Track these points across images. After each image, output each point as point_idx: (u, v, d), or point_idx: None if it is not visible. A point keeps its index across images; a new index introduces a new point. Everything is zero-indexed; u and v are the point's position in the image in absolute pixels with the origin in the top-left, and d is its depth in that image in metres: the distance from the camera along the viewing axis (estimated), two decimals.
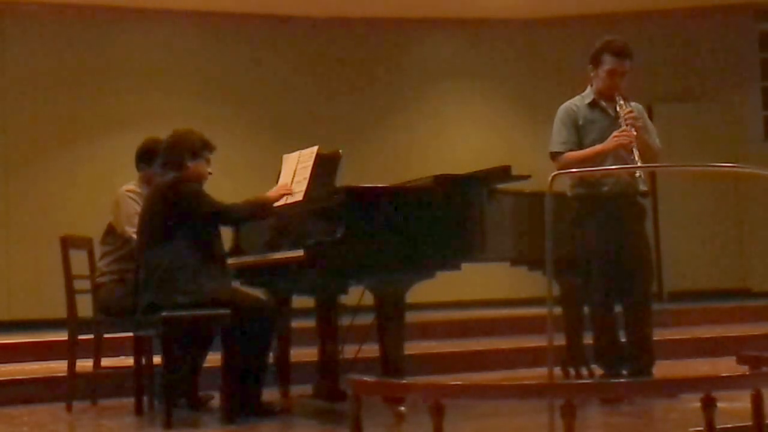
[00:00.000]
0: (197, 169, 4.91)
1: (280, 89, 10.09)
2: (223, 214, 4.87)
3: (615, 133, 4.93)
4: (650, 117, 5.48)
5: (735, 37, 10.64)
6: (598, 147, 4.98)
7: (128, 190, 5.47)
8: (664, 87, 10.27)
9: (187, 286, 4.65)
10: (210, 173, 5.01)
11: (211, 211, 4.80)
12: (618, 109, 5.01)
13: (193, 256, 4.72)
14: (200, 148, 4.94)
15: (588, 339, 5.33)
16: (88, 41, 9.61)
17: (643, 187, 5.04)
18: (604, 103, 5.11)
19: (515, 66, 10.57)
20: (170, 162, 4.89)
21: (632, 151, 4.84)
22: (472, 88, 10.59)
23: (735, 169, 4.41)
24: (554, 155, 5.11)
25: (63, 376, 5.26)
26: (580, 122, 5.11)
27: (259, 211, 4.99)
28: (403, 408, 4.30)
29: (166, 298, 4.62)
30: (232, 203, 4.94)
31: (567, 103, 5.22)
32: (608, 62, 5.07)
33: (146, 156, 5.49)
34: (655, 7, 10.39)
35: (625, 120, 4.94)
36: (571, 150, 5.07)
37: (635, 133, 4.89)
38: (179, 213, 4.74)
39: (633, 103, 5.16)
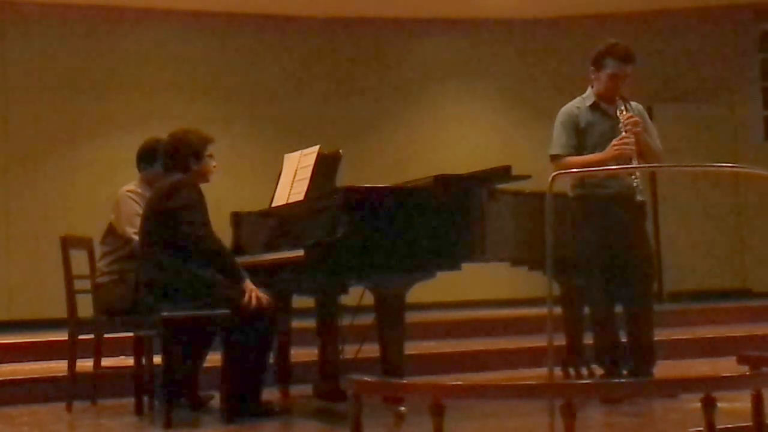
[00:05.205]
0: (202, 170, 4.92)
1: (280, 89, 10.09)
2: (198, 239, 4.70)
3: (614, 142, 4.91)
4: (650, 117, 5.47)
5: (735, 37, 10.64)
6: (598, 156, 4.95)
7: (129, 191, 5.47)
8: (664, 87, 10.26)
9: (188, 288, 4.65)
10: (215, 166, 5.02)
11: (190, 230, 4.69)
12: (618, 114, 5.00)
13: (193, 257, 4.72)
14: (201, 147, 4.94)
15: (588, 339, 5.33)
16: (88, 41, 9.61)
17: (640, 198, 5.02)
18: (605, 106, 5.10)
19: (515, 66, 10.57)
20: (174, 167, 4.89)
21: (631, 161, 4.84)
22: (472, 88, 10.59)
23: (735, 169, 4.41)
24: (554, 158, 5.09)
25: (63, 376, 5.26)
26: (582, 125, 5.09)
27: (228, 270, 4.70)
28: (403, 408, 4.33)
29: (167, 301, 4.63)
30: (217, 239, 4.77)
31: (568, 106, 5.20)
32: (611, 66, 5.04)
33: (147, 156, 5.49)
34: (655, 7, 10.39)
35: (625, 126, 4.92)
36: (570, 154, 5.05)
37: (634, 140, 4.88)
38: (174, 217, 4.73)
39: (633, 103, 5.16)
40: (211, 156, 4.99)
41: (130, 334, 5.12)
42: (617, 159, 4.87)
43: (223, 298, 4.64)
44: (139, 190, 5.45)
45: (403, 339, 4.51)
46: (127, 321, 5.03)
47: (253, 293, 4.61)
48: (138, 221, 5.07)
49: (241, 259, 5.30)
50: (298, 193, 5.03)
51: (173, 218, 4.72)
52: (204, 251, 4.71)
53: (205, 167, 4.96)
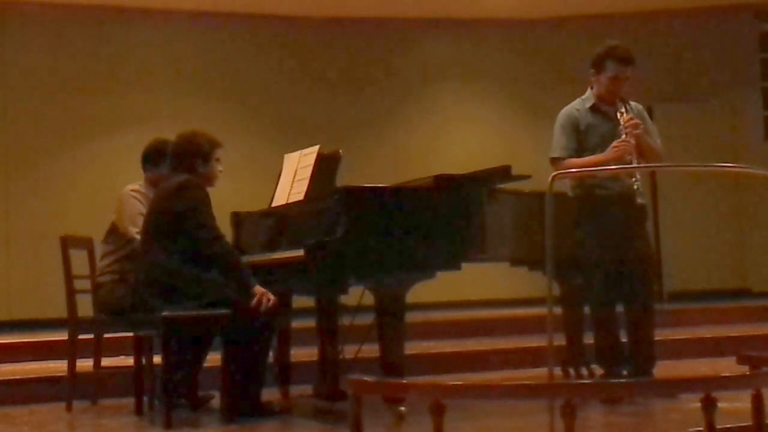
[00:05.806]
0: (209, 174, 4.92)
1: (280, 89, 10.09)
2: (209, 242, 4.70)
3: (614, 144, 4.91)
4: (650, 117, 5.47)
5: (735, 37, 10.64)
6: (598, 157, 4.95)
7: (133, 190, 5.47)
8: (664, 87, 10.27)
9: (188, 288, 4.65)
10: (220, 170, 5.01)
11: (201, 233, 4.70)
12: (618, 116, 4.99)
13: (194, 258, 4.71)
14: (209, 150, 4.92)
15: (588, 339, 5.33)
16: (88, 41, 9.62)
17: (640, 200, 5.01)
18: (605, 108, 5.10)
19: (515, 66, 10.57)
20: (180, 168, 4.88)
21: (631, 162, 4.84)
22: (471, 88, 10.59)
23: (735, 169, 4.41)
24: (554, 161, 5.09)
25: (63, 376, 5.26)
26: (582, 127, 5.09)
27: (235, 274, 4.69)
28: (403, 408, 4.33)
29: (166, 301, 4.62)
30: (227, 242, 4.82)
31: (568, 108, 5.19)
32: (611, 69, 5.04)
33: (153, 157, 5.48)
34: (656, 7, 10.39)
35: (625, 128, 4.92)
36: (570, 156, 5.05)
37: (634, 142, 4.87)
38: (180, 218, 4.73)
39: (633, 103, 5.16)
40: (218, 160, 4.98)
41: (130, 334, 5.12)
42: (617, 161, 4.87)
43: (223, 298, 4.64)
44: (143, 190, 5.45)
45: (403, 339, 4.51)
46: (127, 321, 5.03)
47: (264, 297, 4.60)
48: (141, 221, 5.06)
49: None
50: (298, 193, 5.03)
51: (181, 218, 4.71)
52: (214, 254, 4.70)
53: (212, 171, 4.95)
